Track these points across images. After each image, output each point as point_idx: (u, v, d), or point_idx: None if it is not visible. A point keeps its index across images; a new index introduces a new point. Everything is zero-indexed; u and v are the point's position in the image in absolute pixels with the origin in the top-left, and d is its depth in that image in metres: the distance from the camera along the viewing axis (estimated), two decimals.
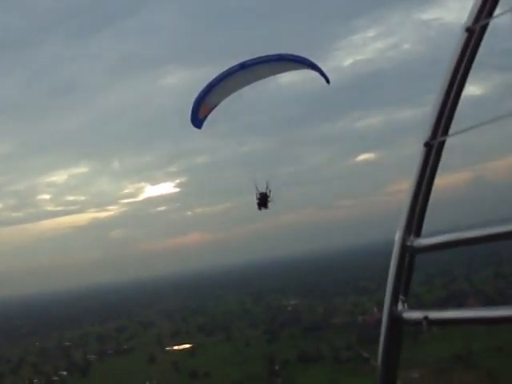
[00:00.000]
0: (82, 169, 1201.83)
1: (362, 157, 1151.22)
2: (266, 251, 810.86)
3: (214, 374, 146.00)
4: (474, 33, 4.72)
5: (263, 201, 29.74)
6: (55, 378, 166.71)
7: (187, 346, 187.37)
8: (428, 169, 4.89)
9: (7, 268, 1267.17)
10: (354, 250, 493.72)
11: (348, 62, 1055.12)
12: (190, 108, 29.58)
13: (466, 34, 4.74)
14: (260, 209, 30.02)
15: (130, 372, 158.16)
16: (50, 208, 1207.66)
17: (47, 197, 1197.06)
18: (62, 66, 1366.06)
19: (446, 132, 4.87)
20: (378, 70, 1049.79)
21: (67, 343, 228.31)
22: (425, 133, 4.90)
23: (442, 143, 4.88)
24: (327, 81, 28.02)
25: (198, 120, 29.89)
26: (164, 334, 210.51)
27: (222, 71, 28.40)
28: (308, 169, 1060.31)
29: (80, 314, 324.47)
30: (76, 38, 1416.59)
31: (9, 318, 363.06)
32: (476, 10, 4.68)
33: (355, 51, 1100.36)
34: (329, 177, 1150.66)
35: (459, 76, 4.78)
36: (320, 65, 28.22)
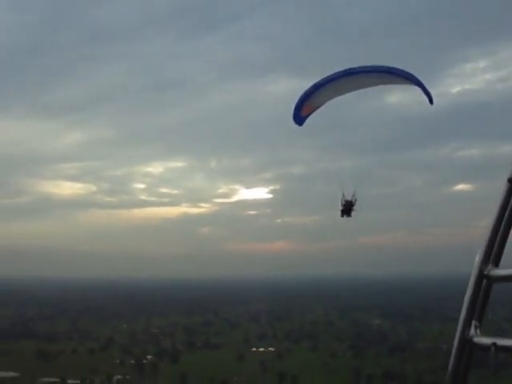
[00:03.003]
0: (178, 163, 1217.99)
1: (459, 187, 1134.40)
2: (350, 268, 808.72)
3: (301, 379, 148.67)
4: None
5: (347, 208, 30.08)
6: (144, 361, 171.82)
7: (272, 349, 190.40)
8: (510, 204, 5.35)
9: (93, 250, 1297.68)
10: (441, 277, 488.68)
11: (456, 89, 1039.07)
12: (294, 104, 29.61)
13: None
14: (342, 216, 30.33)
15: (219, 366, 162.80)
16: (143, 197, 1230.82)
17: (142, 186, 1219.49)
18: (171, 61, 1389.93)
19: None
20: (485, 102, 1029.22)
21: (155, 330, 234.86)
22: (510, 168, 5.40)
23: None
24: (430, 101, 27.74)
25: (299, 117, 29.91)
26: (251, 335, 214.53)
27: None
28: (401, 192, 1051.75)
29: (166, 303, 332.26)
30: (187, 36, 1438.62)
31: (94, 297, 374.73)
32: None
33: (464, 80, 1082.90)
34: (422, 202, 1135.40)
35: None
36: (427, 87, 28.12)
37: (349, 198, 29.78)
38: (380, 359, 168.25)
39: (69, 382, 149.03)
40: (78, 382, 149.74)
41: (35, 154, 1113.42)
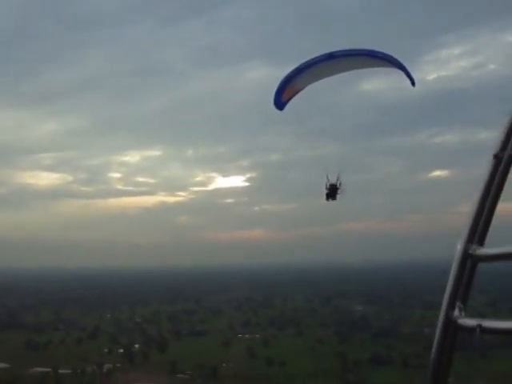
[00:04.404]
0: (155, 152, 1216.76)
1: (435, 173, 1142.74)
2: (330, 255, 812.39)
3: (289, 364, 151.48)
4: None
5: (332, 192, 30.61)
6: (133, 350, 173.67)
7: (258, 336, 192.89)
8: (495, 180, 5.21)
9: (70, 240, 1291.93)
10: (420, 263, 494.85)
11: (432, 76, 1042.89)
12: (275, 89, 29.74)
13: None
14: (328, 199, 31.01)
15: (207, 353, 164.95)
16: (119, 187, 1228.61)
17: (118, 175, 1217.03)
18: (148, 48, 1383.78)
19: None
20: (461, 88, 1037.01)
21: (138, 319, 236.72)
22: (495, 145, 5.30)
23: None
24: (412, 83, 27.91)
25: (280, 102, 30.05)
26: (235, 322, 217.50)
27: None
28: (379, 178, 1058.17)
29: (146, 292, 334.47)
30: (166, 23, 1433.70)
31: (74, 287, 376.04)
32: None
33: (440, 67, 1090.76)
34: (399, 189, 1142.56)
35: None
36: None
37: (333, 182, 30.40)
38: (365, 344, 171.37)
39: (60, 371, 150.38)
40: (70, 371, 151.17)
41: (11, 144, 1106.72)
